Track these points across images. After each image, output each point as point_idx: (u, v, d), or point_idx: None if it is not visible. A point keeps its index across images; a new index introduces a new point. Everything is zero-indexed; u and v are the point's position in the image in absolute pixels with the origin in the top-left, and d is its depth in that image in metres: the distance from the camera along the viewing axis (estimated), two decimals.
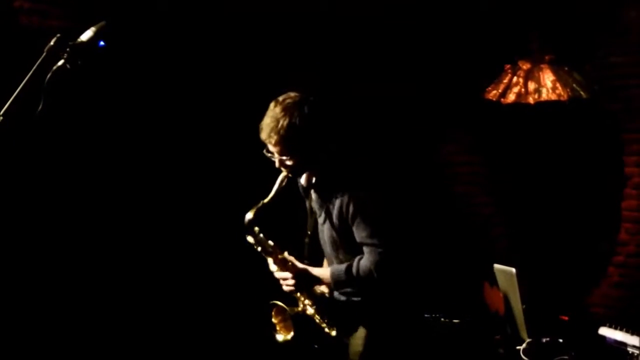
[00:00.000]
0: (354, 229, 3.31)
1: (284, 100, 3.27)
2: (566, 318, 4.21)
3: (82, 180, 4.96)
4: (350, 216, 3.29)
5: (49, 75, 2.84)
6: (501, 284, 4.06)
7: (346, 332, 3.46)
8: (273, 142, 3.25)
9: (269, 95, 3.36)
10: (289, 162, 3.31)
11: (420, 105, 5.92)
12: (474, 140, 6.17)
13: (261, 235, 3.42)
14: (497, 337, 4.11)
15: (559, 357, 3.78)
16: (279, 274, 3.45)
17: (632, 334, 3.75)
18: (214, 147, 5.28)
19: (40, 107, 2.84)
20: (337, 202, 3.32)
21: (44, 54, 2.85)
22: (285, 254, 3.45)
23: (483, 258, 5.22)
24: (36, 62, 2.83)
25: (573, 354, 3.81)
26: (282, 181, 3.37)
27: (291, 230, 3.59)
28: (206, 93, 5.29)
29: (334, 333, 3.47)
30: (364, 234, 3.29)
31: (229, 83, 5.30)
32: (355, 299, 3.44)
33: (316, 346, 3.52)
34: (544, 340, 3.90)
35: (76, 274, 4.92)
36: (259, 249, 3.43)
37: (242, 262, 3.94)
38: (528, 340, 3.88)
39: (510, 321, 4.00)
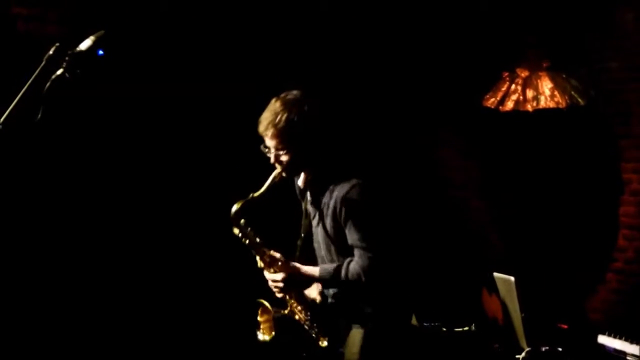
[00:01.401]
0: (347, 230, 3.31)
1: (285, 96, 3.31)
2: (565, 326, 4.20)
3: (80, 186, 4.96)
4: (343, 217, 3.29)
5: (47, 84, 2.85)
6: (500, 292, 4.05)
7: (338, 341, 3.45)
8: (269, 134, 3.27)
9: (268, 95, 3.38)
10: (284, 158, 3.31)
11: (417, 112, 5.92)
12: (470, 147, 6.17)
13: (248, 228, 3.40)
14: (496, 345, 4.10)
15: None
16: (267, 275, 3.44)
17: (631, 342, 3.75)
18: (213, 147, 5.27)
19: (39, 116, 2.84)
20: (332, 203, 3.32)
21: (43, 62, 2.86)
22: (272, 251, 3.43)
23: (481, 266, 5.21)
24: (35, 69, 2.84)
25: None
26: (274, 178, 3.36)
27: (285, 234, 3.57)
28: (205, 95, 5.28)
29: (325, 344, 3.45)
30: (355, 236, 3.28)
31: (229, 83, 5.29)
32: (344, 303, 3.42)
33: (305, 355, 3.50)
34: (543, 349, 3.90)
35: (71, 275, 4.92)
36: (246, 242, 3.41)
37: (235, 261, 3.92)
38: (527, 349, 3.88)
39: (509, 330, 4.00)
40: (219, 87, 5.24)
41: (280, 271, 3.40)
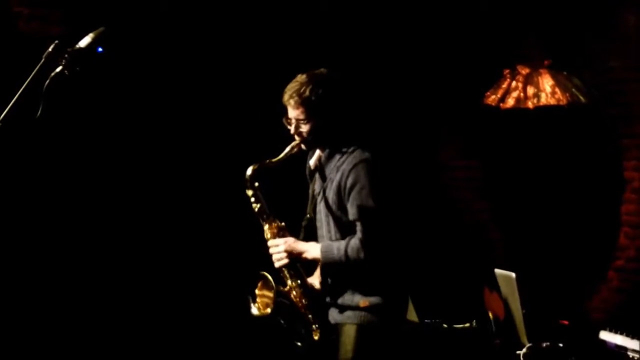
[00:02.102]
0: (349, 205, 3.34)
1: (312, 71, 3.42)
2: (566, 322, 4.20)
3: (80, 184, 4.97)
4: (347, 190, 3.34)
5: (47, 81, 2.85)
6: (501, 288, 4.05)
7: (330, 337, 3.45)
8: (293, 103, 3.37)
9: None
10: (304, 128, 3.40)
11: (418, 110, 5.92)
12: (471, 145, 6.17)
13: (260, 192, 3.45)
14: (498, 341, 4.10)
15: None
16: (272, 242, 3.46)
17: (633, 338, 3.75)
18: (213, 147, 5.28)
19: (38, 113, 2.85)
20: (337, 177, 3.38)
21: (43, 60, 2.87)
22: (279, 221, 3.48)
23: (482, 263, 5.21)
24: (35, 68, 2.84)
25: (573, 358, 3.80)
26: (292, 148, 3.44)
27: (291, 216, 3.60)
28: (204, 95, 5.29)
29: (317, 337, 3.46)
30: (357, 210, 3.31)
31: (228, 84, 5.29)
32: (340, 290, 3.43)
33: (299, 344, 3.50)
34: (544, 344, 3.89)
35: (69, 274, 4.93)
36: (257, 207, 3.45)
37: (236, 260, 3.93)
38: (528, 345, 3.88)
39: (510, 326, 3.99)
40: (219, 87, 5.26)
41: (285, 243, 3.44)
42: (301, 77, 3.39)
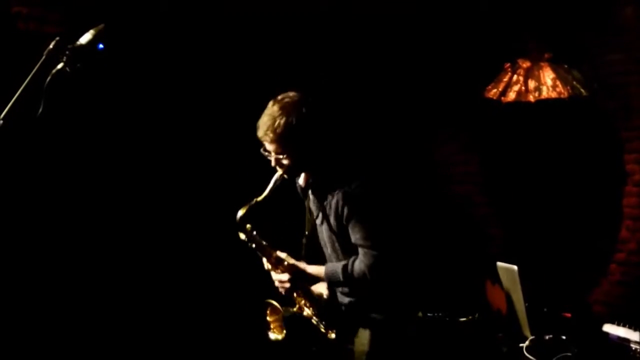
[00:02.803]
0: (350, 229, 3.32)
1: (282, 99, 3.28)
2: (569, 315, 4.20)
3: (82, 181, 4.97)
4: (345, 216, 3.30)
5: (48, 79, 2.85)
6: (503, 281, 4.06)
7: (346, 335, 3.46)
8: (269, 139, 3.26)
9: (267, 95, 3.37)
10: (285, 161, 3.32)
11: (419, 105, 5.92)
12: (471, 139, 6.17)
13: (254, 232, 3.43)
14: (500, 335, 4.10)
15: (561, 355, 3.77)
16: (274, 275, 3.47)
17: (635, 330, 3.75)
18: (212, 147, 5.28)
19: (40, 110, 2.85)
20: (333, 203, 3.33)
21: (44, 57, 2.86)
22: (279, 252, 3.47)
23: (484, 256, 5.21)
24: (34, 67, 2.84)
25: (576, 351, 3.80)
26: (276, 180, 3.37)
27: (290, 232, 3.60)
28: (204, 94, 5.29)
29: (333, 336, 3.46)
30: (358, 235, 3.29)
31: (227, 84, 5.29)
32: (352, 299, 3.43)
33: (314, 349, 3.51)
34: (546, 337, 3.89)
35: (69, 274, 4.93)
36: (253, 246, 3.44)
37: (239, 261, 3.93)
38: (531, 337, 3.88)
39: (512, 319, 4.00)
40: (219, 87, 5.26)
41: (286, 271, 3.44)
42: (272, 109, 3.25)
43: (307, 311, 3.50)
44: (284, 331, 3.48)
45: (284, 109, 3.23)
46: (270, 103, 3.29)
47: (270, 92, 3.41)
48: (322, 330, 3.47)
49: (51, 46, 2.88)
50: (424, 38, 5.76)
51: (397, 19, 5.60)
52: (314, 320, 3.49)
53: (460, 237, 5.97)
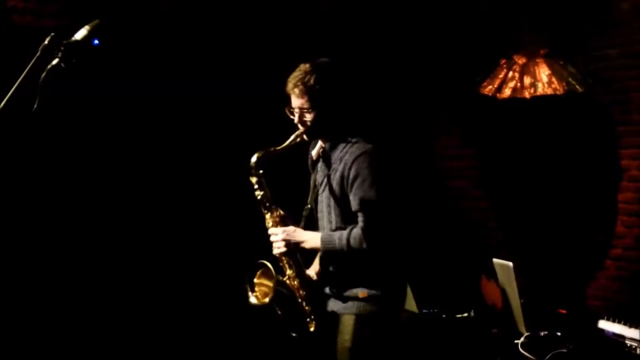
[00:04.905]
0: (351, 196, 3.36)
1: (315, 60, 3.44)
2: (564, 311, 4.21)
3: (77, 177, 4.96)
4: (350, 181, 3.35)
5: (43, 74, 2.85)
6: (499, 278, 4.06)
7: (326, 329, 3.46)
8: (297, 92, 3.38)
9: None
10: (307, 117, 3.41)
11: (414, 100, 5.91)
12: (468, 134, 6.16)
13: (264, 179, 3.47)
14: (495, 331, 4.11)
15: (557, 351, 3.78)
16: (272, 230, 3.49)
17: (631, 326, 3.76)
18: (212, 147, 5.27)
19: (35, 106, 2.85)
20: (340, 167, 3.39)
21: (39, 52, 2.86)
22: (280, 210, 3.51)
23: (480, 252, 5.21)
24: (30, 61, 2.83)
25: (571, 347, 3.81)
26: (296, 137, 3.46)
27: (292, 205, 3.62)
28: (205, 94, 5.27)
29: (312, 329, 3.47)
30: (360, 201, 3.33)
31: (227, 84, 5.28)
32: (340, 276, 3.44)
33: (294, 335, 3.51)
34: (542, 333, 3.90)
35: (67, 273, 4.93)
36: (260, 194, 3.47)
37: (240, 261, 3.93)
38: (526, 334, 3.89)
39: (508, 315, 4.00)
40: (219, 87, 5.25)
41: (285, 230, 3.47)
42: (304, 66, 3.41)
43: (292, 285, 3.49)
44: (266, 300, 3.45)
45: (317, 67, 3.40)
46: (303, 63, 3.44)
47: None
48: (305, 313, 3.47)
49: (46, 42, 2.89)
50: (419, 33, 5.75)
51: (392, 15, 5.60)
52: (299, 300, 3.48)
53: (456, 232, 5.97)
